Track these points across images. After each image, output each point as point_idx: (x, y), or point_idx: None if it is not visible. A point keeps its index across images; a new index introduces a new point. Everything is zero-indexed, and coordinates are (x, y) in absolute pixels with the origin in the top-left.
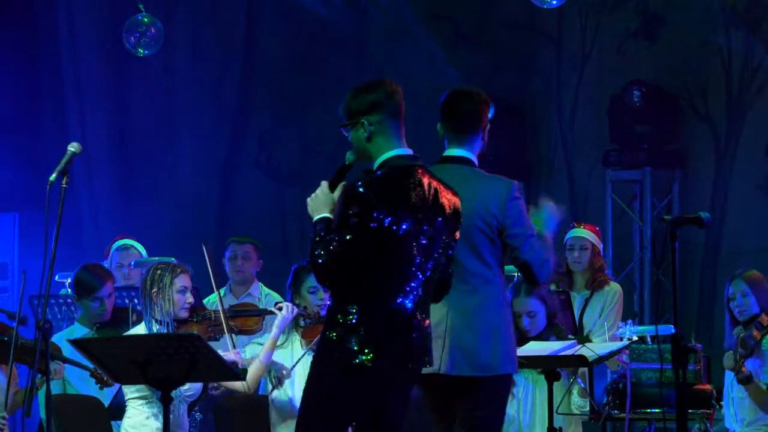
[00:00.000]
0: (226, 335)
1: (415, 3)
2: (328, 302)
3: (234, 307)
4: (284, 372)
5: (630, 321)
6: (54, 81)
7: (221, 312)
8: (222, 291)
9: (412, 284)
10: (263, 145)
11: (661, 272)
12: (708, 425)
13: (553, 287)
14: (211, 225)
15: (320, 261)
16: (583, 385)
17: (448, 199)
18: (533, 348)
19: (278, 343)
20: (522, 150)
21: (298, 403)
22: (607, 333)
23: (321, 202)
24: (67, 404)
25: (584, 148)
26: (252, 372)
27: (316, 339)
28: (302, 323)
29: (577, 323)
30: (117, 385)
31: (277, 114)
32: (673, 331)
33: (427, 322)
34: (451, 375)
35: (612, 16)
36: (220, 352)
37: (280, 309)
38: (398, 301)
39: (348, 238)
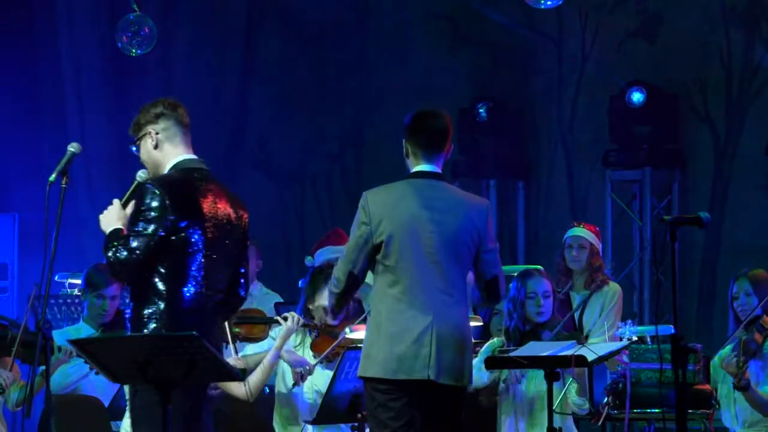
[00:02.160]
0: (230, 342)
1: (414, 3)
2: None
3: (239, 313)
4: (307, 368)
5: (630, 321)
6: (53, 81)
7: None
8: None
9: (200, 282)
10: (263, 145)
11: (660, 272)
12: (708, 425)
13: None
14: None
15: (117, 258)
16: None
17: (232, 207)
18: (533, 348)
19: (292, 345)
20: (522, 150)
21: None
22: (606, 333)
23: (113, 217)
24: (67, 404)
25: (584, 148)
26: (255, 378)
27: (326, 352)
28: (308, 335)
29: (576, 323)
30: (117, 386)
31: (277, 114)
32: (672, 331)
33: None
34: (437, 382)
35: (611, 16)
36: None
37: (286, 319)
38: (188, 298)
39: (145, 233)
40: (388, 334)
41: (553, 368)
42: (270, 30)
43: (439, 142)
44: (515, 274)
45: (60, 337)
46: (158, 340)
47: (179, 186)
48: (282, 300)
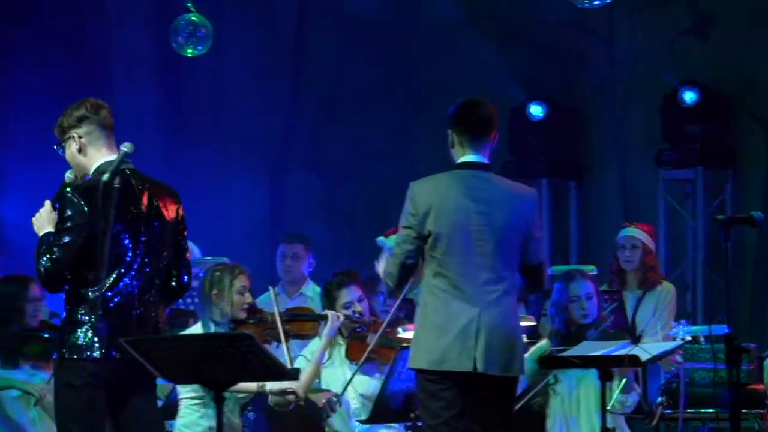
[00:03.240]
0: (282, 339)
1: (465, 3)
2: (366, 313)
3: (290, 310)
4: (334, 399)
5: (683, 321)
6: (105, 82)
7: (277, 316)
8: (276, 289)
9: (125, 281)
10: (312, 145)
11: (714, 272)
12: (762, 425)
13: (605, 287)
14: (261, 225)
15: (43, 269)
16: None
17: (164, 201)
18: (585, 348)
19: (323, 360)
20: (573, 149)
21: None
22: (660, 333)
23: (45, 220)
24: None
25: (636, 148)
26: (305, 377)
27: (363, 357)
28: (358, 330)
29: (630, 323)
30: (170, 385)
31: (326, 114)
32: (726, 330)
33: (153, 315)
34: (485, 374)
35: (662, 15)
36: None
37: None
38: (117, 299)
39: (66, 241)
40: (434, 326)
41: (607, 368)
42: (320, 30)
43: (485, 131)
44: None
45: None
46: (211, 339)
47: (97, 190)
48: None
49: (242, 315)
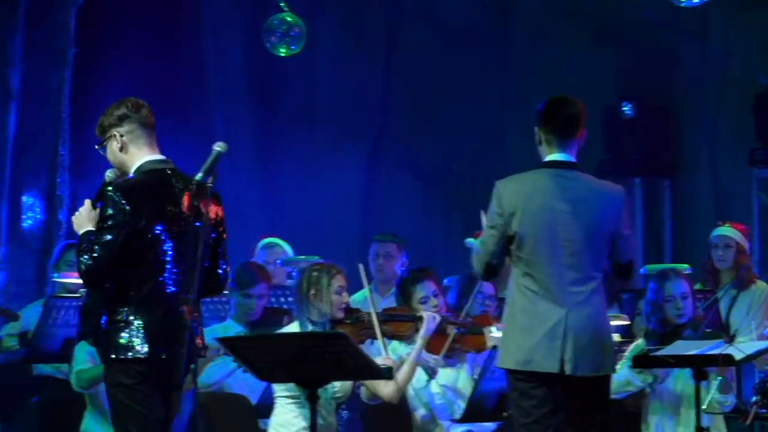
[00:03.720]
0: (379, 339)
1: (557, 2)
2: (442, 308)
3: (387, 311)
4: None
5: None
6: (198, 80)
7: (374, 316)
8: (370, 288)
9: (167, 281)
10: (406, 145)
11: None
12: None
13: (699, 286)
14: (355, 224)
15: (84, 267)
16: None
17: (205, 202)
18: (680, 347)
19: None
20: (665, 148)
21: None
22: (754, 332)
23: (85, 218)
24: (215, 402)
25: (729, 146)
26: (400, 378)
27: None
28: (456, 331)
29: (723, 322)
30: (264, 383)
31: (420, 113)
32: None
33: (195, 314)
34: (574, 375)
35: (756, 13)
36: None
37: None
38: (155, 299)
39: (107, 239)
40: (521, 326)
41: (701, 367)
42: (412, 30)
43: (572, 129)
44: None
45: (209, 335)
46: (306, 338)
47: (140, 189)
48: None
49: (340, 314)
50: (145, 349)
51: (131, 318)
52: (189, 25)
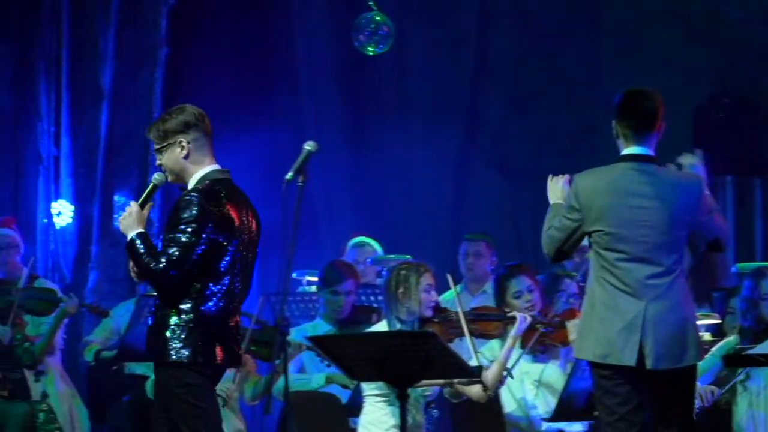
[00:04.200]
0: (467, 338)
1: (648, 0)
2: (537, 303)
3: (476, 310)
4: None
5: None
6: (289, 78)
7: (461, 315)
8: (459, 288)
9: (223, 290)
10: (495, 142)
11: None
12: None
13: None
14: (444, 222)
15: (161, 266)
16: None
17: (254, 216)
18: None
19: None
20: (757, 147)
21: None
22: None
23: (134, 220)
24: (306, 400)
25: None
26: (491, 374)
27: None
28: (544, 331)
29: None
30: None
31: (510, 111)
32: None
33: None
34: (654, 369)
35: None
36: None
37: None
38: (214, 305)
39: (188, 243)
40: (600, 318)
41: None
42: (502, 28)
43: (649, 122)
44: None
45: (298, 334)
46: (395, 337)
47: (216, 197)
48: None
49: (429, 313)
50: (212, 352)
51: (199, 322)
52: (279, 25)
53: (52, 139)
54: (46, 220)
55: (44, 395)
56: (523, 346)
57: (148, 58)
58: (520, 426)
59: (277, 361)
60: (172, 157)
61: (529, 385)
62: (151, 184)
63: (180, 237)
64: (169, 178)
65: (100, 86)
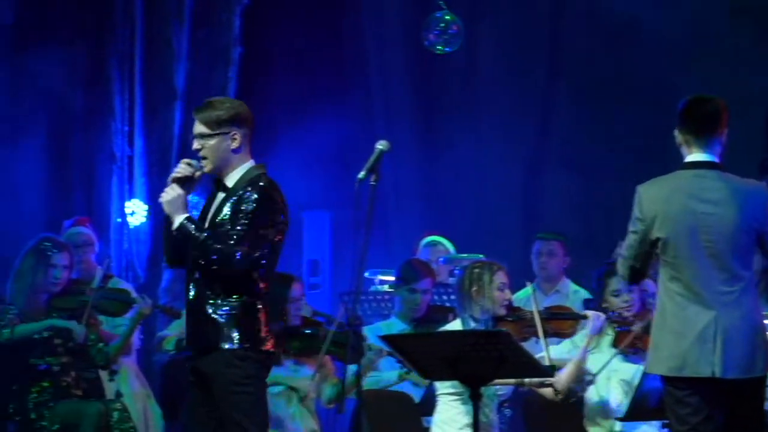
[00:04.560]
0: (541, 338)
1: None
2: (635, 304)
3: (550, 309)
4: (588, 377)
5: None
6: (360, 79)
7: (536, 314)
8: (531, 287)
9: (266, 279)
10: (567, 141)
11: None
12: None
13: None
14: (516, 221)
15: (239, 255)
16: None
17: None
18: None
19: (590, 346)
20: None
21: (611, 403)
22: None
23: (179, 203)
24: (379, 399)
25: None
26: (564, 377)
27: (626, 342)
28: (617, 329)
29: None
30: (427, 381)
31: (582, 110)
32: None
33: None
34: (725, 379)
35: None
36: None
37: (586, 317)
38: (263, 294)
39: (263, 233)
40: (672, 331)
41: None
42: (576, 27)
43: (711, 128)
44: None
45: (372, 332)
46: (468, 336)
47: (279, 191)
48: (591, 296)
49: (502, 311)
50: (266, 341)
51: (255, 310)
52: (351, 24)
53: (125, 139)
54: (119, 220)
55: (118, 394)
56: (615, 346)
57: (221, 58)
58: (603, 425)
59: (354, 365)
60: (220, 147)
61: (615, 383)
62: (190, 174)
63: (258, 228)
64: (207, 168)
65: (174, 86)
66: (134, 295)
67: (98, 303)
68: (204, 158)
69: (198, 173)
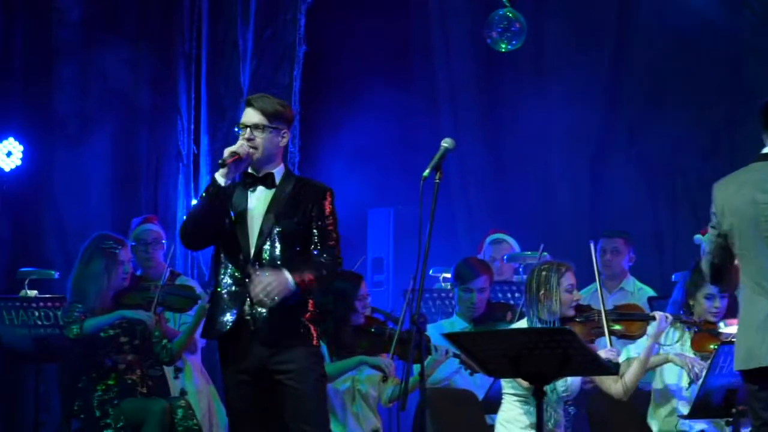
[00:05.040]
0: (607, 338)
1: None
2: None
3: (619, 308)
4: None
5: None
6: (426, 75)
7: (604, 314)
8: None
9: None
10: (634, 139)
11: None
12: None
13: None
14: (582, 219)
15: (338, 260)
16: None
17: None
18: None
19: (672, 342)
20: None
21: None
22: None
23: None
24: (441, 397)
25: None
26: (630, 375)
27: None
28: (687, 331)
29: None
30: (491, 379)
31: (649, 106)
32: None
33: None
34: None
35: None
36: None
37: (654, 318)
38: None
39: (337, 235)
40: (742, 324)
41: None
42: (643, 20)
43: None
44: None
45: (434, 330)
46: (531, 334)
47: None
48: (655, 294)
49: (571, 312)
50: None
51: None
52: (417, 22)
53: (191, 137)
54: (185, 218)
55: (183, 392)
56: (699, 349)
57: (286, 57)
58: (671, 422)
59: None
60: (273, 141)
61: (685, 383)
62: (244, 155)
63: (333, 230)
64: (255, 156)
65: (239, 84)
66: (199, 290)
67: (164, 299)
68: (253, 149)
69: (249, 156)
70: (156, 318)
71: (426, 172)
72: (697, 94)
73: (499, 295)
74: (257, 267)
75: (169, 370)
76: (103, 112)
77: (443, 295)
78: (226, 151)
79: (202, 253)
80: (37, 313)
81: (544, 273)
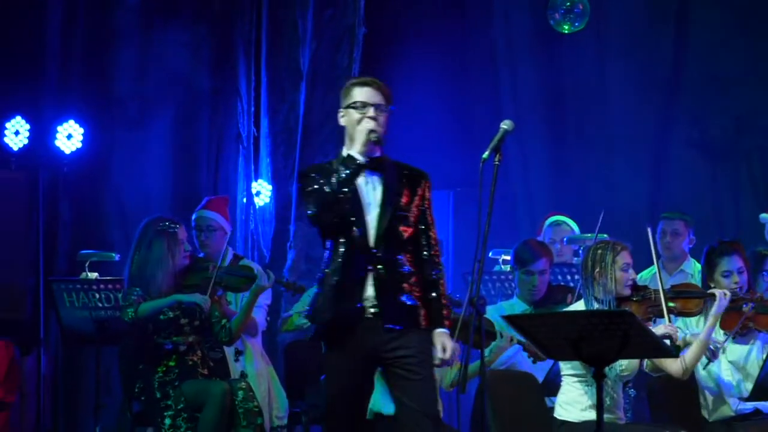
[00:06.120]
0: (665, 317)
1: None
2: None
3: (675, 287)
4: (717, 345)
5: None
6: (486, 56)
7: (661, 293)
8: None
9: None
10: (695, 122)
11: None
12: None
13: None
14: (643, 201)
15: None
16: None
17: None
18: None
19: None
20: None
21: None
22: None
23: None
24: (501, 379)
25: None
26: (690, 355)
27: (738, 324)
28: (744, 307)
29: None
30: (551, 361)
31: (710, 89)
32: None
33: None
34: None
35: None
36: (653, 327)
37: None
38: None
39: None
40: None
41: None
42: (704, 6)
43: None
44: None
45: (494, 312)
46: (592, 316)
47: None
48: None
49: (626, 292)
50: None
51: None
52: (477, 13)
53: (251, 120)
54: (245, 200)
55: (243, 374)
56: (729, 328)
57: (345, 39)
58: (716, 406)
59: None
60: (386, 123)
61: (724, 364)
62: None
63: (432, 223)
64: (374, 137)
65: (299, 67)
66: (257, 270)
67: (222, 278)
68: (372, 131)
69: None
70: (214, 299)
71: (485, 154)
72: (758, 77)
73: (559, 277)
74: (378, 253)
75: (230, 352)
76: (163, 95)
77: (503, 277)
78: None
79: (262, 235)
80: (97, 296)
81: (599, 251)
